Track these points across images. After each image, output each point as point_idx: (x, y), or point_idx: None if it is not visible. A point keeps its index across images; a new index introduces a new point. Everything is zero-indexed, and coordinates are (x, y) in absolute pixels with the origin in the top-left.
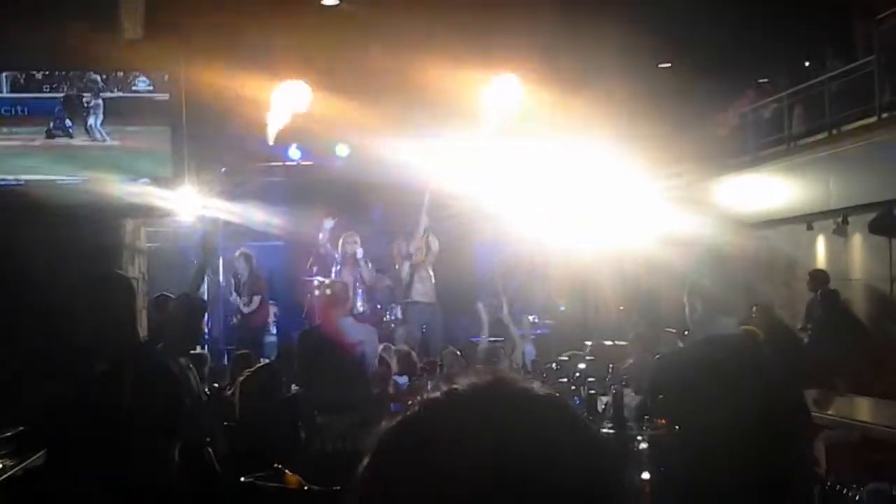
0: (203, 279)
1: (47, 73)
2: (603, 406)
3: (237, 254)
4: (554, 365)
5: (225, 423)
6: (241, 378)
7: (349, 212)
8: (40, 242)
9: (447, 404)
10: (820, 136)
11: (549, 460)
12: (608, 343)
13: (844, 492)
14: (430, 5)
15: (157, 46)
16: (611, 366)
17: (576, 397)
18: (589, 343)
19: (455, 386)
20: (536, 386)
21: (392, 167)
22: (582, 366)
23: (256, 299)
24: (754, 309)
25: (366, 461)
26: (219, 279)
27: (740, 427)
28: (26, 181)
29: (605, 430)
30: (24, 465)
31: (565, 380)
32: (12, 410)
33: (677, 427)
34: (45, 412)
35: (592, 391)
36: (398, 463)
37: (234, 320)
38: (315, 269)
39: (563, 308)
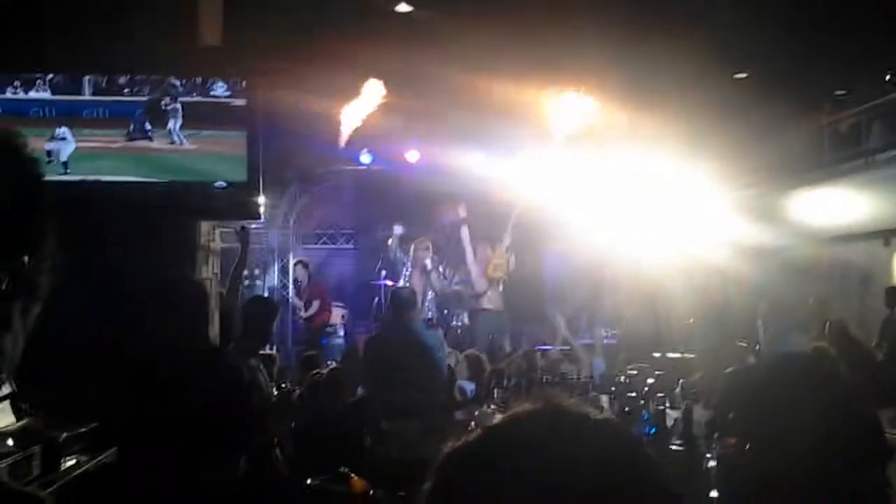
0: (241, 276)
1: (129, 77)
2: (672, 422)
3: (294, 262)
4: (623, 378)
5: (293, 426)
6: (308, 380)
7: (420, 217)
8: (116, 242)
9: (507, 431)
10: None
11: (607, 488)
12: (674, 355)
13: None
14: (500, 16)
15: (234, 53)
16: (680, 380)
17: (644, 412)
18: (657, 355)
19: (516, 412)
20: (592, 412)
21: (465, 176)
22: (651, 380)
23: (315, 303)
24: (827, 325)
25: (429, 481)
26: (287, 282)
27: (810, 447)
28: (104, 181)
29: (673, 447)
30: (96, 461)
31: (634, 394)
32: (83, 407)
33: (747, 445)
34: (115, 411)
35: (661, 406)
36: (457, 490)
37: (299, 322)
38: (384, 273)
39: (625, 319)
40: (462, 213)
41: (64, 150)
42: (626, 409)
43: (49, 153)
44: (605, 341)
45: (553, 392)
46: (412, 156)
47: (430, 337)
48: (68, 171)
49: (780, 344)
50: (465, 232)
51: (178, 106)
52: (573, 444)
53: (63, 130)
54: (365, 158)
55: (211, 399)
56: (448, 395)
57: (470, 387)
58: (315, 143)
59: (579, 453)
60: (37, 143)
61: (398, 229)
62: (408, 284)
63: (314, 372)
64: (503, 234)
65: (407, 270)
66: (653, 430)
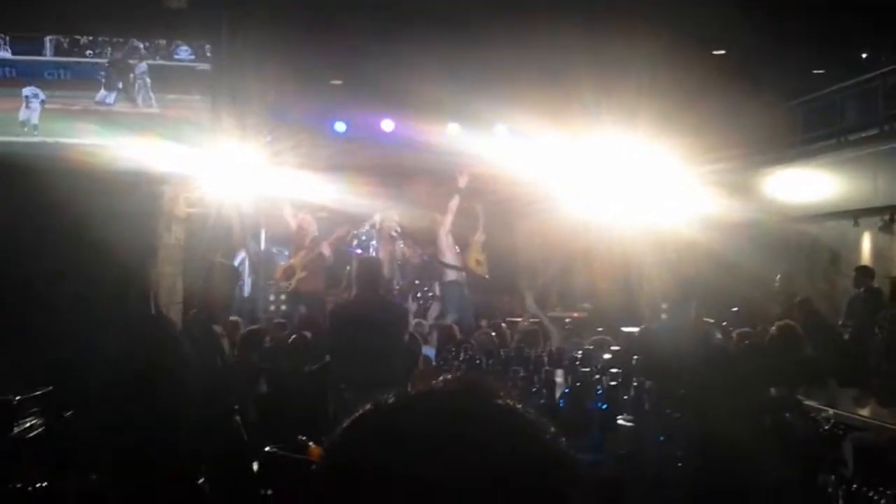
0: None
1: (91, 38)
2: (626, 398)
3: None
4: (579, 352)
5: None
6: (272, 347)
7: (390, 187)
8: (74, 206)
9: (397, 409)
10: (871, 132)
11: (497, 475)
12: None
13: (870, 495)
14: None
15: (200, 17)
16: (635, 357)
17: (598, 387)
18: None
19: (412, 392)
20: (503, 396)
21: (434, 147)
22: (607, 355)
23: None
24: (796, 302)
25: (328, 443)
26: (260, 249)
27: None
28: (64, 144)
29: (621, 422)
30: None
31: (588, 370)
32: (39, 370)
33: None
34: (70, 372)
35: (614, 382)
36: (347, 465)
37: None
38: (356, 242)
39: (597, 293)
40: (462, 183)
41: (35, 114)
42: (578, 383)
43: (23, 123)
44: (576, 315)
45: (472, 372)
46: (387, 125)
47: (394, 307)
48: (36, 133)
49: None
50: (454, 202)
51: (142, 69)
52: (468, 426)
53: (33, 90)
54: (340, 128)
55: (151, 358)
56: (411, 366)
57: (430, 352)
58: (288, 113)
59: (473, 436)
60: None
61: (377, 217)
62: (373, 255)
63: (289, 334)
64: (475, 230)
65: (373, 241)
66: (604, 406)
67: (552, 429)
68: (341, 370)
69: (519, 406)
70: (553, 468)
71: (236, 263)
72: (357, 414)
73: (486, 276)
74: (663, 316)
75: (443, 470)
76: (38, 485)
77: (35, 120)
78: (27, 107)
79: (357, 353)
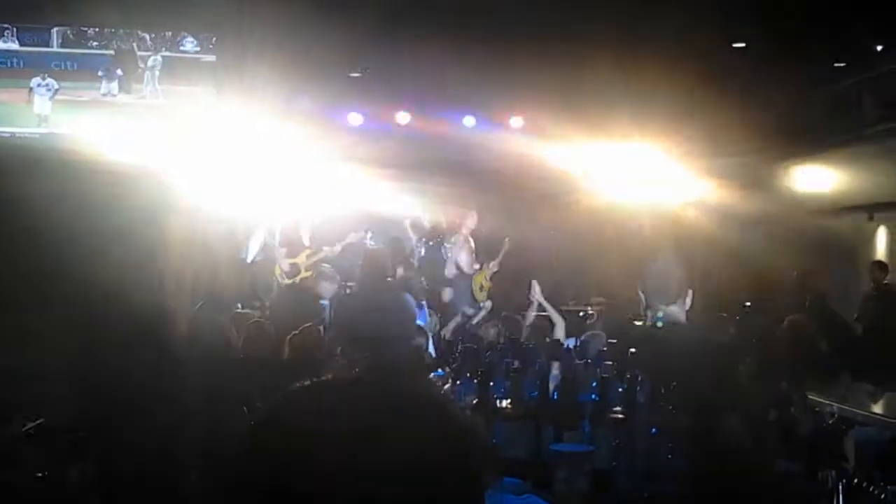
0: None
1: (97, 29)
2: (620, 390)
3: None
4: (572, 344)
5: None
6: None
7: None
8: (81, 197)
9: (306, 391)
10: (890, 126)
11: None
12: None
13: (871, 490)
14: None
15: (205, 7)
16: (631, 350)
17: (593, 380)
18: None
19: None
20: (415, 384)
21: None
22: (604, 348)
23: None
24: (808, 298)
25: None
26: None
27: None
28: (71, 135)
29: (614, 415)
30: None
31: (582, 361)
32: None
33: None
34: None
35: (606, 374)
36: (259, 436)
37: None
38: (369, 234)
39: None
40: (470, 224)
41: (46, 105)
42: (570, 375)
43: (38, 115)
44: (590, 308)
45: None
46: (402, 118)
47: (394, 299)
48: (46, 125)
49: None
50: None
51: (148, 60)
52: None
53: (43, 81)
54: (355, 120)
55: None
56: (418, 357)
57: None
58: (298, 104)
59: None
60: (18, 98)
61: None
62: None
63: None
64: (494, 259)
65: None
66: (594, 397)
67: (460, 406)
68: (346, 359)
69: (434, 389)
70: (459, 434)
71: (251, 257)
72: (279, 395)
73: (482, 305)
74: (661, 308)
75: (359, 441)
76: (39, 474)
77: (46, 111)
78: (38, 97)
79: (355, 346)
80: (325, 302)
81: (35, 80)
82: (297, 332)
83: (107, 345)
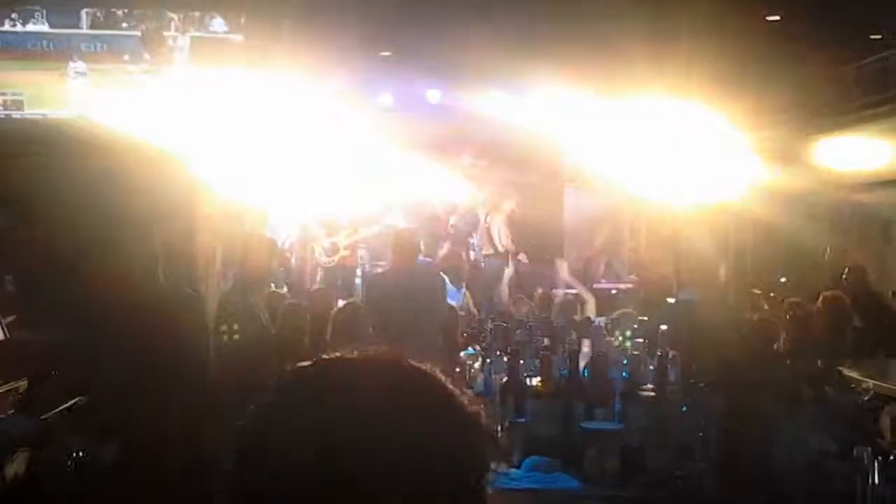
0: None
1: (126, 10)
2: (651, 368)
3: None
4: (603, 322)
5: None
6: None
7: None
8: (109, 179)
9: (309, 375)
10: None
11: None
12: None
13: None
14: None
15: None
16: (662, 327)
17: (623, 357)
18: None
19: (325, 359)
20: (410, 367)
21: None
22: (635, 325)
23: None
24: (845, 272)
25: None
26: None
27: None
28: (98, 116)
29: (643, 393)
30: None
31: (612, 339)
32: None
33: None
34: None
35: (637, 352)
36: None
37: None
38: (403, 214)
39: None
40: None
41: (76, 86)
42: (601, 352)
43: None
44: (623, 286)
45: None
46: (433, 96)
47: (430, 278)
48: (77, 106)
49: None
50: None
51: (177, 41)
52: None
53: (76, 64)
54: (385, 100)
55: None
56: (449, 338)
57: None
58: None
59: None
60: (49, 80)
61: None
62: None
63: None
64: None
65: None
66: (625, 375)
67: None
68: (379, 339)
69: (436, 374)
70: (465, 427)
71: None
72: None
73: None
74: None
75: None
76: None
77: (76, 93)
78: (68, 79)
79: (389, 325)
80: (359, 280)
81: (71, 65)
82: (339, 308)
83: (138, 326)
